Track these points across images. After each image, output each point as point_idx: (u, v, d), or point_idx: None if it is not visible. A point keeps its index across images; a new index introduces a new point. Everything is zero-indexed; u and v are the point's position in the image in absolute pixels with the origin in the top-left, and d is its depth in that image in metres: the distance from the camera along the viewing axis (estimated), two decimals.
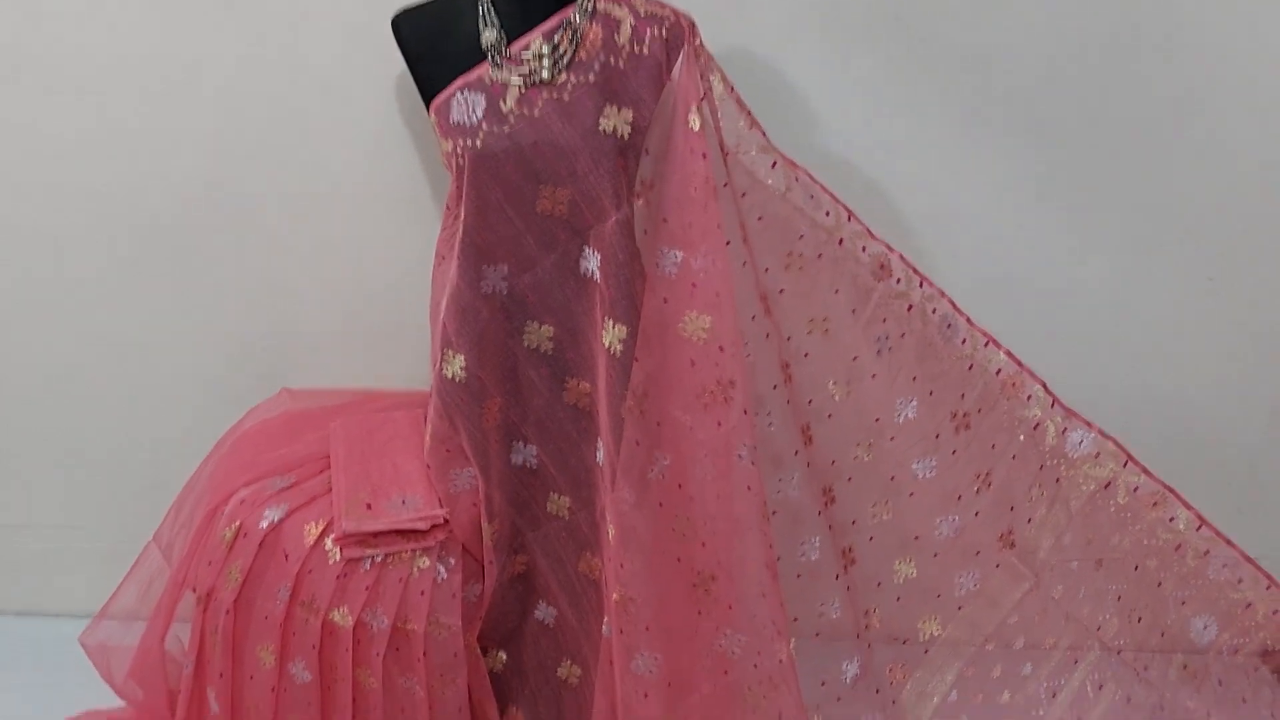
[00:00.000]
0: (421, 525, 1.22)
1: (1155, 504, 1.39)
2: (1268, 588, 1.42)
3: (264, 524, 1.22)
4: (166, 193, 1.42)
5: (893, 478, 1.37)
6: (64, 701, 1.41)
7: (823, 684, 1.36)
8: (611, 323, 1.14)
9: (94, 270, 1.46)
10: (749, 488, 1.18)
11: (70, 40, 1.36)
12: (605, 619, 1.25)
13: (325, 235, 1.44)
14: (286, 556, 1.21)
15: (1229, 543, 1.40)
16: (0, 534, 1.61)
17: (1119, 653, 1.45)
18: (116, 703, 1.40)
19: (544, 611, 1.33)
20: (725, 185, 1.19)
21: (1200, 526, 1.39)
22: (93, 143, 1.40)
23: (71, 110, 1.38)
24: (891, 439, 1.35)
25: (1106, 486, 1.39)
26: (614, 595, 1.17)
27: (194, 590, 1.24)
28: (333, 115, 1.39)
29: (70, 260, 1.46)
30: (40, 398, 1.53)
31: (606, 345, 1.15)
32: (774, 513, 1.29)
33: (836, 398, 1.33)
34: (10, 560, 1.63)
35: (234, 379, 1.49)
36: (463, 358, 1.19)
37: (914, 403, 1.35)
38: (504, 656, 1.33)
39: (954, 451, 1.37)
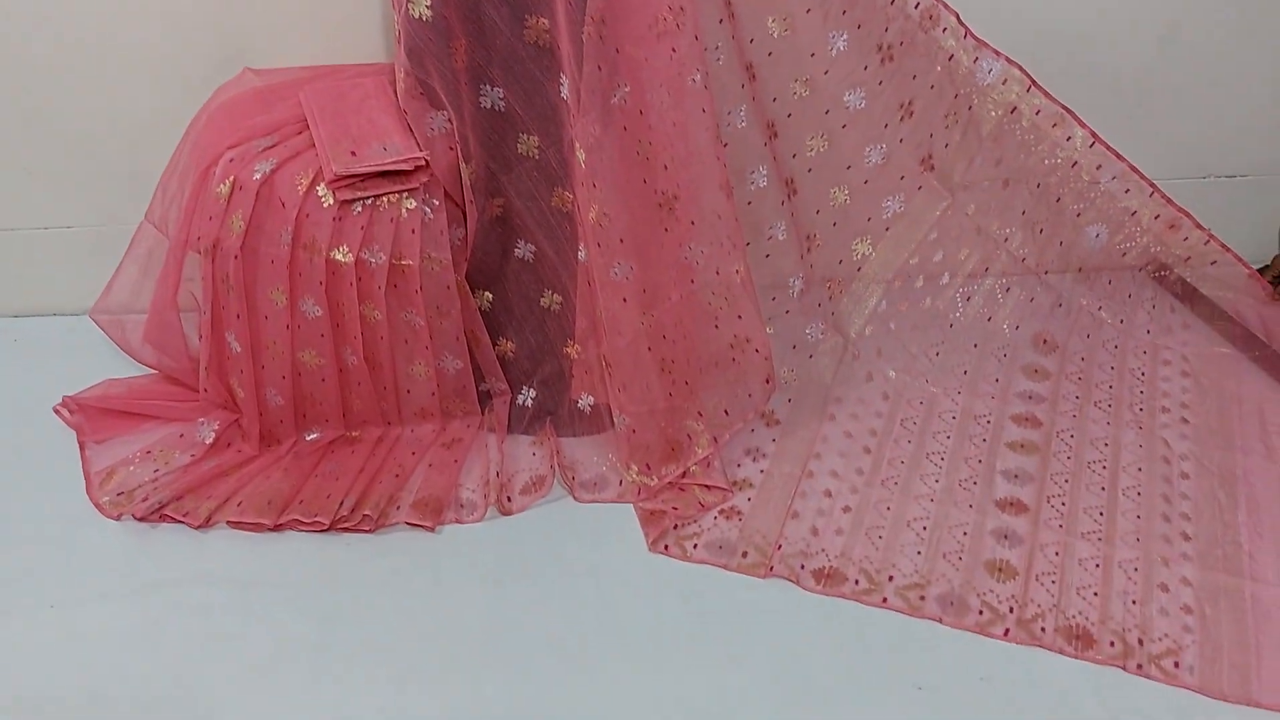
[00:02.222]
0: (405, 166, 1.31)
1: (1055, 125, 1.56)
2: (1151, 195, 1.62)
3: (257, 176, 1.30)
4: None
5: (827, 111, 1.50)
6: (80, 382, 1.48)
7: (773, 299, 1.54)
8: None
9: None
10: (703, 110, 1.30)
11: None
12: (580, 247, 1.39)
13: None
14: (283, 204, 1.30)
15: (1119, 156, 1.58)
16: None
17: (1023, 260, 1.66)
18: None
19: (523, 249, 1.45)
20: None
21: (1094, 143, 1.57)
22: None
23: None
24: (826, 73, 1.47)
25: (1012, 112, 1.55)
26: (590, 214, 1.30)
27: (198, 250, 1.34)
28: None
29: None
30: (4, 101, 1.52)
31: None
32: (725, 145, 1.42)
33: (775, 34, 1.43)
34: (3, 264, 1.66)
35: (193, 63, 1.50)
36: None
37: (845, 36, 1.45)
38: (490, 296, 1.47)
39: (880, 82, 1.50)
